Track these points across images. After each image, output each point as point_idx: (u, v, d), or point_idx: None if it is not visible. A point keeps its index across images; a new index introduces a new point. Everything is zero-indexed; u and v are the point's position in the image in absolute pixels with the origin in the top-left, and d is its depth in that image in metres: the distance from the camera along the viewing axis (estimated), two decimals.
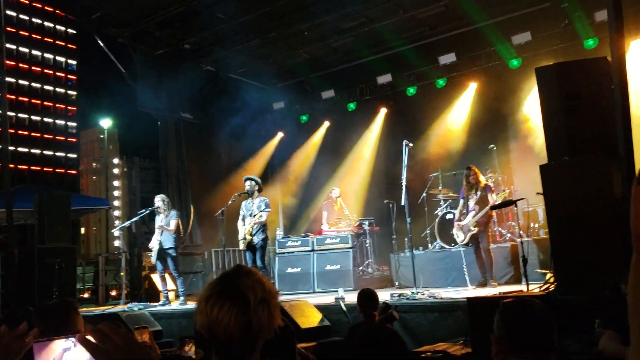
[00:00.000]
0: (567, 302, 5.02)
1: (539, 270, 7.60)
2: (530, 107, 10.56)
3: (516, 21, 10.76)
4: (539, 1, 10.45)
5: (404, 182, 7.64)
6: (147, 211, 9.45)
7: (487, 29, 10.77)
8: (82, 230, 65.04)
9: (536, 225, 9.54)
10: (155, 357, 1.28)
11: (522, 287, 6.21)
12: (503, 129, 11.23)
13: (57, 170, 71.93)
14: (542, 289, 5.68)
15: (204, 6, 10.91)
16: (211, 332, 1.40)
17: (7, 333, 1.27)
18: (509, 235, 9.52)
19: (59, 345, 1.26)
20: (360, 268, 10.69)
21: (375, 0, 10.70)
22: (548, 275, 6.08)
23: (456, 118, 12.04)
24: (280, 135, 14.46)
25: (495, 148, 10.27)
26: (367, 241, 11.06)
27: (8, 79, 60.68)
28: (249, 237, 8.48)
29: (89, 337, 1.15)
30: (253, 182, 8.68)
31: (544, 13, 10.50)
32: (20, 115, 68.18)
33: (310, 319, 6.40)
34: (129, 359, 1.17)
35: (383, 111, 13.05)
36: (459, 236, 8.57)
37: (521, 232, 8.19)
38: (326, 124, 13.86)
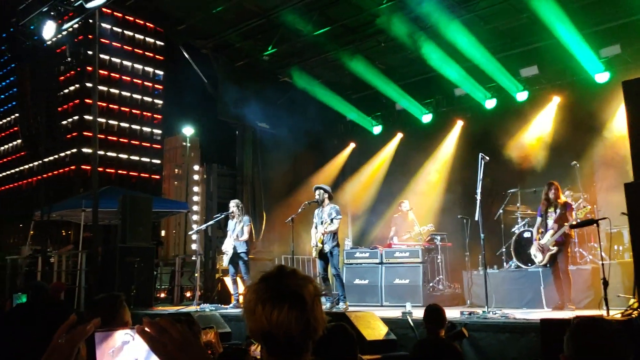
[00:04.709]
0: None
1: (622, 295, 7.16)
2: (617, 123, 10.03)
3: (605, 34, 10.30)
4: (629, 13, 9.95)
5: (478, 197, 7.43)
6: (222, 215, 9.75)
7: (573, 41, 10.34)
8: (163, 232, 67.87)
9: (620, 248, 9.00)
10: (207, 356, 1.30)
11: (602, 312, 5.88)
12: (587, 145, 10.68)
13: (142, 174, 75.67)
14: (624, 314, 5.34)
15: (284, 19, 11.16)
16: (270, 335, 1.41)
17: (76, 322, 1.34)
18: (590, 257, 9.04)
19: (119, 337, 1.30)
20: (431, 284, 10.46)
21: (456, 12, 10.54)
22: (631, 301, 5.71)
23: (537, 133, 11.57)
24: (352, 145, 14.49)
25: (578, 165, 9.80)
26: (439, 257, 10.79)
27: (100, 87, 64.72)
28: (320, 245, 8.55)
29: (147, 329, 1.20)
30: (322, 191, 8.73)
31: (634, 25, 9.98)
32: (110, 121, 72.42)
33: (376, 331, 6.34)
34: (185, 353, 1.20)
35: (459, 124, 12.76)
36: (537, 256, 8.21)
37: (603, 254, 7.76)
38: (399, 135, 13.75)
